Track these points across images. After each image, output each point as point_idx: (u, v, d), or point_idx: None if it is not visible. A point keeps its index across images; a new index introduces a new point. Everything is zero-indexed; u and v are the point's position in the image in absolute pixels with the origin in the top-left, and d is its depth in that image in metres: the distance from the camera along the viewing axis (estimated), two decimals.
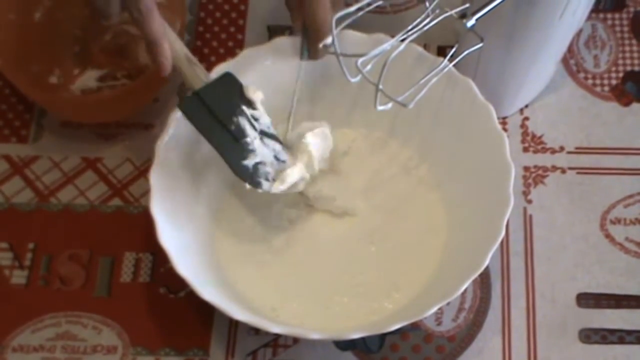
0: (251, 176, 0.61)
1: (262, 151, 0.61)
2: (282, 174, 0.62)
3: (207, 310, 0.63)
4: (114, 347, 0.64)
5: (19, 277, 0.67)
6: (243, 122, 0.60)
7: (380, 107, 0.56)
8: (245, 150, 0.61)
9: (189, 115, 0.60)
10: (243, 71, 0.64)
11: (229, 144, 0.60)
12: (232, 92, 0.61)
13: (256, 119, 0.61)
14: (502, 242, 0.61)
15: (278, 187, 0.61)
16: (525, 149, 0.72)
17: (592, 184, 0.70)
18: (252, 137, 0.61)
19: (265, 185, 0.61)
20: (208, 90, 0.60)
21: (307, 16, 0.61)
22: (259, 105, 0.62)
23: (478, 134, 0.63)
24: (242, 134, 0.60)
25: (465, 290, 0.58)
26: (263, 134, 0.62)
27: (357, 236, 0.66)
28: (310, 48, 0.64)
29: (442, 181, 0.67)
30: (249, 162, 0.61)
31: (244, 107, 0.61)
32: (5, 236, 0.68)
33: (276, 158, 0.62)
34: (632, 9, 0.78)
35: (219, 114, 0.60)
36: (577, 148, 0.72)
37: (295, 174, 0.62)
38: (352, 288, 0.64)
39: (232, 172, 0.60)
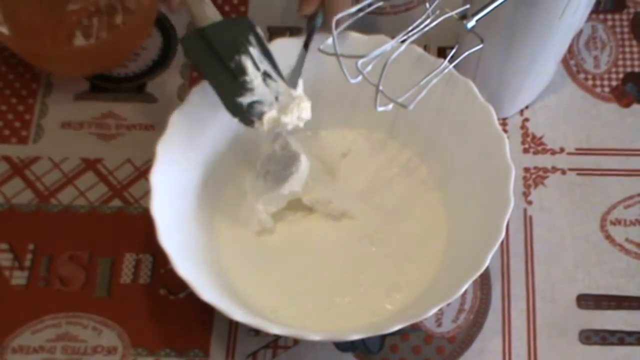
0: (243, 113, 0.60)
1: (261, 90, 0.60)
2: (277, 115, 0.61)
3: (207, 312, 0.63)
4: (114, 348, 0.64)
5: (19, 278, 0.67)
6: (245, 60, 0.60)
7: (380, 108, 0.56)
8: (242, 87, 0.60)
9: (188, 49, 0.64)
10: None
11: (226, 80, 0.60)
12: (240, 32, 0.60)
13: (262, 61, 0.61)
14: (502, 243, 0.61)
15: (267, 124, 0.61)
16: (526, 150, 0.72)
17: (592, 185, 0.70)
18: (253, 76, 0.60)
19: (257, 124, 0.60)
20: (214, 29, 0.60)
21: None
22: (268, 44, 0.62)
23: (478, 135, 0.63)
24: (241, 71, 0.60)
25: (466, 291, 0.58)
26: (267, 74, 0.61)
27: (358, 237, 0.66)
28: (326, 18, 0.63)
29: (442, 182, 0.67)
30: (245, 99, 0.60)
31: (251, 48, 0.60)
32: (5, 237, 0.68)
33: (277, 99, 0.61)
34: (632, 10, 0.78)
35: (220, 51, 0.60)
36: (577, 149, 0.72)
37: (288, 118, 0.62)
38: (353, 289, 0.64)
39: (225, 108, 0.60)
